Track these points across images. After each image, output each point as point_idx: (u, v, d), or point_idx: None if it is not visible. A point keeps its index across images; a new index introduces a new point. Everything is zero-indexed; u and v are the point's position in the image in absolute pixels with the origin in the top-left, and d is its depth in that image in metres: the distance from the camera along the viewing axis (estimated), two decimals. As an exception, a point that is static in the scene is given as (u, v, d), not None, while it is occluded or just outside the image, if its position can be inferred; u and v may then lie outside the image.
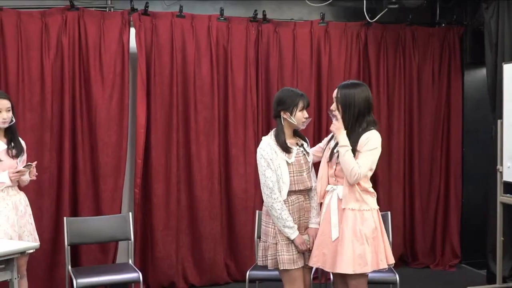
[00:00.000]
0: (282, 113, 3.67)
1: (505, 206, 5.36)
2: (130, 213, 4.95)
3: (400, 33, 6.22)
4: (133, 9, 5.38)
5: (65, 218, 4.77)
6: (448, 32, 6.35)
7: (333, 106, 3.80)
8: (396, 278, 4.30)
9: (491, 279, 5.61)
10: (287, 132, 3.72)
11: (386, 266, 3.67)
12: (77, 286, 4.28)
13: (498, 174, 5.37)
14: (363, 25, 6.06)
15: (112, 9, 5.49)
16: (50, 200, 5.19)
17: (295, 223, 3.64)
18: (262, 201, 5.81)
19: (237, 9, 5.82)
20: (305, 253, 3.69)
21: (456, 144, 6.38)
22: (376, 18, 5.94)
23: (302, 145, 3.77)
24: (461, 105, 6.45)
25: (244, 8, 5.83)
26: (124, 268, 4.70)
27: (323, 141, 3.97)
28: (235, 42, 5.71)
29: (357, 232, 3.59)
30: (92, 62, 5.30)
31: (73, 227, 4.72)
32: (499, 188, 5.37)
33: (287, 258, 3.62)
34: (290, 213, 3.63)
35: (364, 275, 3.65)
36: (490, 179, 5.67)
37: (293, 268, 3.63)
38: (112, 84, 5.36)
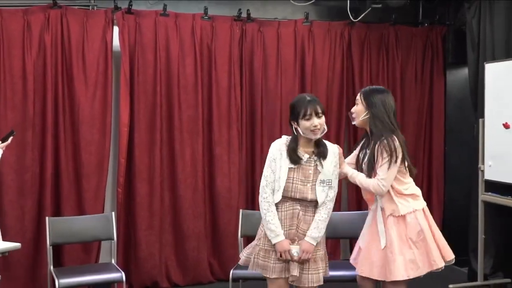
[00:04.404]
0: (292, 122, 3.51)
1: (487, 204, 5.41)
2: (113, 213, 4.93)
3: (384, 33, 6.25)
4: (117, 8, 5.36)
5: (47, 218, 4.74)
6: (431, 32, 6.40)
7: (354, 109, 3.78)
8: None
9: (472, 277, 5.66)
10: (302, 140, 3.49)
11: (442, 265, 3.72)
12: (59, 286, 4.24)
13: (480, 173, 5.41)
14: (346, 25, 6.09)
15: (95, 8, 5.45)
16: (32, 200, 5.16)
17: (283, 230, 3.45)
18: (246, 200, 5.88)
19: (221, 8, 5.81)
20: (292, 265, 3.45)
21: (438, 143, 6.43)
22: (360, 18, 5.96)
23: (320, 156, 3.50)
24: (443, 104, 6.50)
25: (228, 7, 5.83)
26: (107, 268, 4.67)
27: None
28: (219, 41, 5.71)
29: (403, 237, 3.64)
30: (75, 60, 5.27)
31: (55, 227, 4.68)
32: (481, 187, 5.42)
33: (261, 263, 3.50)
34: (280, 219, 3.46)
35: (403, 281, 3.69)
36: (472, 178, 5.72)
37: (267, 276, 3.49)
38: (95, 83, 5.33)
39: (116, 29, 5.40)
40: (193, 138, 5.64)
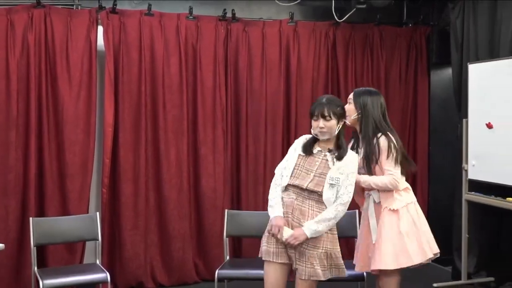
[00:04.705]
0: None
1: (470, 204, 5.46)
2: (98, 213, 4.91)
3: (368, 33, 6.27)
4: (101, 7, 5.33)
5: (31, 218, 4.71)
6: (415, 32, 6.44)
7: (346, 107, 3.84)
8: (364, 275, 4.33)
9: (456, 276, 5.70)
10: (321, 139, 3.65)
11: (431, 256, 3.93)
12: (44, 287, 4.22)
13: (464, 172, 5.45)
14: (331, 25, 6.10)
15: (79, 7, 5.42)
16: (16, 200, 5.11)
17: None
18: (231, 200, 5.89)
19: (206, 8, 5.80)
20: (290, 252, 3.58)
21: (422, 143, 6.47)
22: (345, 18, 5.98)
23: (334, 155, 3.60)
24: (427, 104, 6.54)
25: (213, 7, 5.82)
26: (91, 268, 4.65)
27: None
28: (204, 41, 5.70)
29: (394, 229, 3.85)
30: (59, 60, 5.24)
31: (39, 228, 4.65)
32: (464, 186, 5.46)
33: (264, 249, 3.67)
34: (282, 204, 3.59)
35: (396, 273, 3.84)
36: (456, 177, 5.76)
37: (266, 259, 3.64)
38: (79, 83, 5.30)
39: (100, 29, 5.37)
40: (178, 138, 5.63)
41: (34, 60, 5.15)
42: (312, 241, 3.53)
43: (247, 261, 5.32)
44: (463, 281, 5.54)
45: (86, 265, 5.12)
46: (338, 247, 3.64)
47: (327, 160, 3.60)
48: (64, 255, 5.28)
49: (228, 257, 4.87)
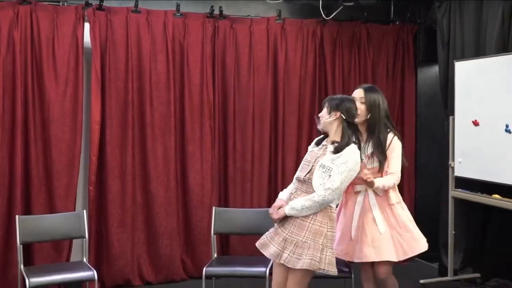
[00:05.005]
0: None
1: (457, 200, 5.49)
2: (85, 211, 4.89)
3: (355, 31, 6.29)
4: (88, 4, 5.30)
5: (17, 216, 4.68)
6: (402, 30, 6.46)
7: (359, 107, 3.96)
8: (351, 271, 4.35)
9: (443, 272, 5.74)
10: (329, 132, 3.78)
11: (420, 252, 4.18)
12: (30, 286, 4.19)
13: (450, 169, 5.48)
14: (319, 22, 6.11)
15: (65, 4, 5.39)
16: (2, 198, 5.07)
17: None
18: (218, 197, 5.89)
19: (193, 5, 5.79)
20: (280, 251, 3.63)
21: (409, 140, 6.49)
22: (332, 16, 5.99)
23: (334, 145, 3.69)
24: (414, 102, 6.56)
25: (201, 4, 5.81)
26: (78, 266, 4.63)
27: None
28: (191, 38, 5.69)
29: (393, 223, 4.06)
30: (45, 57, 5.20)
31: (25, 226, 4.62)
32: (451, 183, 5.49)
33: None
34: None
35: (390, 264, 4.09)
36: (442, 174, 5.79)
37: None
38: (66, 80, 5.27)
39: (87, 26, 5.34)
40: (165, 135, 5.62)
41: (20, 57, 5.11)
42: (296, 229, 3.60)
43: (235, 258, 5.33)
44: (450, 277, 5.57)
45: (73, 263, 5.10)
46: (323, 240, 3.58)
47: (326, 153, 3.69)
48: (51, 253, 5.25)
49: (215, 255, 4.87)
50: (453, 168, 5.45)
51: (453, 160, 5.45)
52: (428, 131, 6.53)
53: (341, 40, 6.24)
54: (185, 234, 5.79)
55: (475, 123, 5.18)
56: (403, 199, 4.24)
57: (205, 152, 5.74)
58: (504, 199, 4.91)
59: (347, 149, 3.65)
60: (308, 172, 3.66)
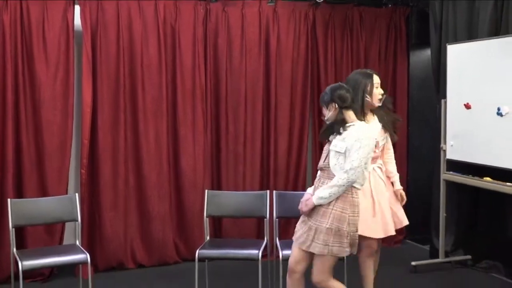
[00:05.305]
0: None
1: (448, 183, 5.52)
2: (77, 194, 4.87)
3: (348, 14, 6.26)
4: (78, -14, 5.26)
5: (9, 199, 4.66)
6: (394, 13, 6.44)
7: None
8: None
9: (434, 254, 5.78)
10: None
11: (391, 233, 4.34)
12: (23, 269, 4.20)
13: (442, 152, 5.50)
14: (311, 5, 6.08)
15: (56, -14, 5.34)
16: (-7, 181, 5.07)
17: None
18: (211, 180, 5.89)
19: (185, -13, 5.75)
20: (307, 239, 3.73)
21: (401, 123, 6.47)
22: (324, -2, 5.97)
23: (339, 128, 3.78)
24: (406, 85, 6.57)
25: (192, -14, 5.77)
26: (71, 249, 4.63)
27: None
28: (183, 20, 5.65)
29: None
30: (35, 40, 5.16)
31: (17, 209, 4.61)
32: (442, 166, 5.51)
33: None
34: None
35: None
36: (434, 157, 5.81)
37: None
38: (57, 63, 5.24)
39: (77, 8, 5.29)
40: (157, 119, 5.61)
41: (9, 40, 5.07)
42: (320, 216, 3.67)
43: (228, 241, 5.35)
44: (441, 259, 5.61)
45: (66, 246, 5.10)
46: (347, 227, 3.66)
47: (337, 139, 3.76)
48: (43, 236, 5.25)
49: (208, 237, 4.88)
50: (444, 151, 5.47)
51: (444, 143, 5.47)
52: (420, 114, 6.54)
53: (334, 23, 6.22)
54: (177, 217, 5.80)
55: (467, 106, 5.19)
56: None
57: (198, 135, 5.74)
58: (495, 181, 4.94)
59: (353, 127, 3.71)
60: (325, 159, 3.76)
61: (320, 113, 6.15)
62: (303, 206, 3.76)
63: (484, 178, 5.06)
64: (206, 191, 4.99)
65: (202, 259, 4.60)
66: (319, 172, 3.85)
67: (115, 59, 5.44)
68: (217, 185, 5.91)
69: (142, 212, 5.63)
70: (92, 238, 5.47)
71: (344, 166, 3.64)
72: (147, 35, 5.53)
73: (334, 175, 3.68)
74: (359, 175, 3.66)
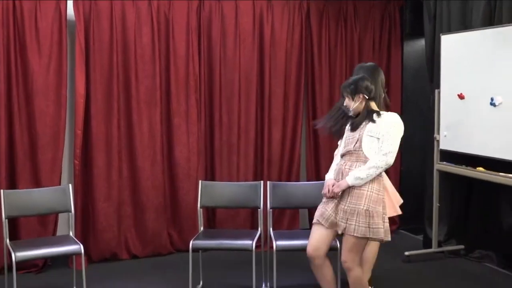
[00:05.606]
0: None
1: (442, 173, 5.53)
2: (70, 185, 4.86)
3: (342, 4, 6.25)
4: (70, -25, 5.22)
5: (2, 190, 4.63)
6: (389, 4, 6.43)
7: None
8: (337, 245, 4.38)
9: (427, 244, 5.80)
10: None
11: None
12: (16, 260, 4.18)
13: (435, 142, 5.52)
14: (305, -5, 6.07)
15: (48, -26, 5.30)
16: (-14, 173, 5.04)
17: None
18: (205, 171, 5.88)
19: (178, -24, 5.72)
20: (328, 215, 3.80)
21: (395, 113, 6.48)
22: (318, -12, 5.95)
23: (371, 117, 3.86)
24: (400, 75, 6.57)
25: (186, -24, 5.73)
26: (64, 240, 4.62)
27: None
28: (176, 10, 5.62)
29: None
30: (28, 30, 5.12)
31: (10, 200, 4.59)
32: (436, 156, 5.53)
33: (317, 213, 3.91)
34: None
35: None
36: (428, 147, 5.82)
37: (315, 222, 3.89)
38: (49, 53, 5.20)
39: (70, -3, 5.27)
40: (151, 108, 5.59)
41: (2, 30, 5.02)
42: (355, 198, 3.72)
43: (221, 231, 5.35)
44: (434, 249, 5.64)
45: (59, 237, 5.08)
46: (382, 209, 3.75)
47: (368, 124, 3.82)
48: (37, 227, 5.24)
49: (202, 228, 4.88)
50: (438, 141, 5.48)
51: (438, 133, 5.48)
52: (414, 104, 6.54)
53: (328, 13, 6.21)
54: (171, 208, 5.80)
55: (461, 97, 5.20)
56: (389, 172, 4.35)
57: (191, 125, 5.72)
58: (488, 171, 4.96)
59: (386, 115, 3.85)
60: (356, 143, 3.80)
61: (314, 105, 6.21)
62: (335, 187, 3.78)
63: (477, 168, 5.07)
64: (200, 181, 4.99)
65: (196, 250, 4.61)
66: (343, 157, 3.88)
67: (108, 48, 5.41)
68: (210, 175, 5.91)
69: (135, 202, 5.62)
70: (85, 229, 5.46)
71: (382, 149, 3.73)
72: (141, 25, 5.50)
73: (365, 158, 3.75)
74: (394, 158, 3.77)
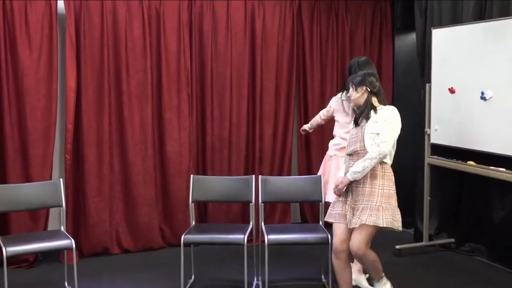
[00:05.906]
0: None
1: (432, 167, 5.55)
2: (61, 179, 4.83)
3: (333, -2, 6.26)
4: (61, -31, 5.19)
5: (-8, 185, 4.63)
6: (380, -2, 6.44)
7: None
8: (328, 238, 4.39)
9: (418, 238, 5.83)
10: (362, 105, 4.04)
11: None
12: (7, 255, 4.16)
13: (426, 136, 5.53)
14: (297, -11, 6.06)
15: (38, -32, 5.26)
16: (-24, 167, 5.02)
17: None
18: (196, 165, 5.88)
19: (169, -30, 5.70)
20: (346, 212, 3.92)
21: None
22: (310, -18, 5.94)
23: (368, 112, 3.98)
24: (391, 69, 6.58)
25: (177, -30, 5.71)
26: (55, 235, 4.60)
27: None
28: (167, 3, 5.61)
29: None
30: (18, 24, 5.09)
31: (1, 195, 4.56)
32: (427, 150, 5.54)
33: (328, 213, 4.09)
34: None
35: None
36: (419, 141, 5.84)
37: (331, 221, 4.05)
38: (40, 47, 5.18)
39: (60, -9, 5.24)
40: (142, 103, 5.58)
41: (-9, 23, 5.00)
42: (366, 196, 3.86)
43: (213, 226, 5.34)
44: (425, 242, 5.66)
45: (50, 231, 5.06)
46: (394, 202, 3.91)
47: (368, 121, 3.94)
48: (27, 222, 5.22)
49: (193, 222, 4.87)
50: (429, 135, 5.50)
51: (429, 127, 5.49)
52: (405, 98, 6.55)
53: (319, 7, 6.21)
54: (163, 202, 5.79)
55: (451, 91, 5.21)
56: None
57: (183, 120, 5.72)
58: (478, 165, 4.98)
59: (383, 109, 3.95)
60: (360, 142, 3.92)
61: (305, 100, 6.21)
62: (339, 183, 3.94)
63: (468, 162, 5.09)
64: (192, 176, 4.97)
65: (187, 244, 4.60)
66: (350, 158, 3.98)
67: (99, 43, 5.39)
68: (202, 170, 5.91)
69: (127, 197, 5.61)
70: (77, 224, 5.45)
71: (377, 140, 3.85)
72: (131, 19, 5.48)
73: None
74: (390, 148, 3.89)
